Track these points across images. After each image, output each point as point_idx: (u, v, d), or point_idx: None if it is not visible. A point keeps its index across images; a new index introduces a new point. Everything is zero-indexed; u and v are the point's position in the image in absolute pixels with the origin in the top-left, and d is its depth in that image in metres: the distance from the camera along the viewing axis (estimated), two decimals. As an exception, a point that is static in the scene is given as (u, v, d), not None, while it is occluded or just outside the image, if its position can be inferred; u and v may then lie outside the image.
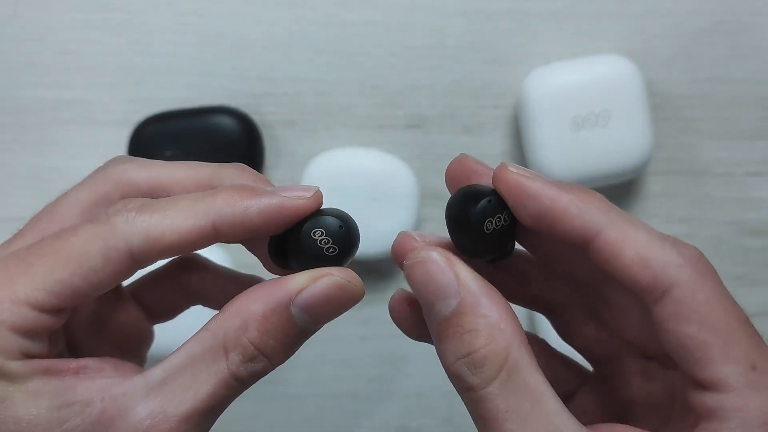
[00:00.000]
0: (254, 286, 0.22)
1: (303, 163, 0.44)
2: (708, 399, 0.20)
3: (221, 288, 0.28)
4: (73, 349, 0.26)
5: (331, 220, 0.23)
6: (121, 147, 0.44)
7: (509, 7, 0.44)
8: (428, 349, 0.43)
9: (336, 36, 0.44)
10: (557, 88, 0.42)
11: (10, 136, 0.45)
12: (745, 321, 0.20)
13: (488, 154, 0.45)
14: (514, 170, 0.22)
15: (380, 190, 0.42)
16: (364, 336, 0.45)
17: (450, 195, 0.23)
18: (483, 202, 0.22)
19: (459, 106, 0.45)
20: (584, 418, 0.23)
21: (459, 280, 0.21)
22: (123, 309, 0.28)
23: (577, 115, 0.42)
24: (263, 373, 0.22)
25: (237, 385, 0.22)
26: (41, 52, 0.44)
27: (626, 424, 0.24)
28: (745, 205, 0.46)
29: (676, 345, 0.20)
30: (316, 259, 0.23)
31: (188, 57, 0.44)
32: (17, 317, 0.21)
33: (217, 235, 0.22)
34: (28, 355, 0.22)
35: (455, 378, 0.21)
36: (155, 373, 0.22)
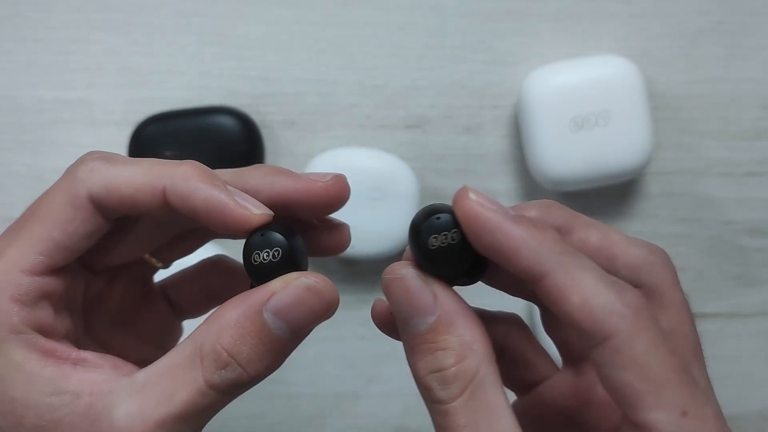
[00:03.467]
0: (237, 295, 0.23)
1: (303, 163, 0.44)
2: None
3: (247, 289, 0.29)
4: (99, 342, 0.27)
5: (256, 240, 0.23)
6: (121, 147, 0.44)
7: (509, 7, 0.44)
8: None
9: (336, 36, 0.44)
10: (557, 88, 0.42)
11: (10, 136, 0.45)
12: (681, 369, 0.21)
13: (488, 155, 0.45)
14: (474, 198, 0.22)
15: (380, 190, 0.42)
16: (364, 336, 0.45)
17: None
18: (432, 218, 0.22)
19: (459, 106, 0.45)
20: (541, 408, 0.26)
21: (436, 298, 0.22)
22: (149, 303, 0.29)
23: (577, 115, 0.42)
24: (239, 383, 0.22)
25: (212, 394, 0.22)
26: (41, 52, 0.44)
27: (579, 421, 0.25)
28: (745, 205, 0.46)
29: (612, 389, 0.21)
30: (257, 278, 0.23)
31: (188, 57, 0.44)
32: (13, 286, 0.22)
33: (167, 202, 0.23)
34: (29, 325, 0.22)
35: (424, 389, 0.22)
36: (139, 376, 0.22)
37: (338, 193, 0.24)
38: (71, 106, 0.45)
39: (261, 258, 0.22)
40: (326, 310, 0.23)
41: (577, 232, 0.24)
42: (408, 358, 0.23)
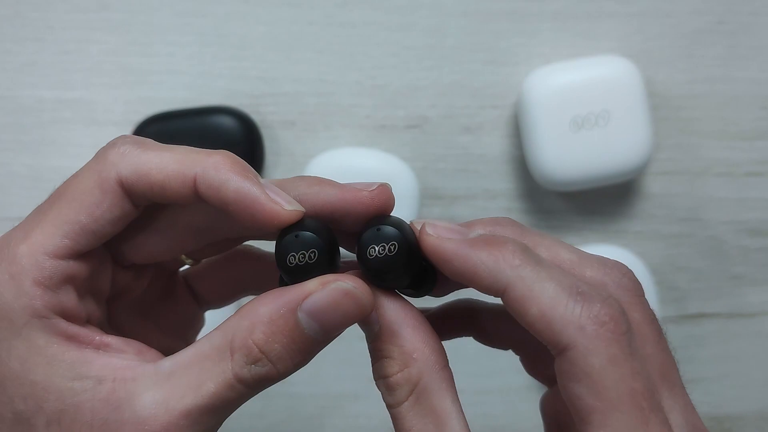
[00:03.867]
0: (271, 290, 0.23)
1: (303, 163, 0.44)
2: None
3: (273, 280, 0.28)
4: (120, 331, 0.26)
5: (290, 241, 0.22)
6: (121, 147, 0.44)
7: (509, 7, 0.44)
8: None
9: (336, 36, 0.44)
10: (557, 88, 0.42)
11: (10, 136, 0.45)
12: (640, 393, 0.20)
13: (488, 155, 0.45)
14: (431, 232, 0.23)
15: (380, 190, 0.42)
16: (364, 336, 0.45)
17: None
18: (372, 229, 0.23)
19: (459, 106, 0.45)
20: (559, 402, 0.25)
21: (379, 310, 0.23)
22: (173, 294, 0.29)
23: (577, 115, 0.42)
24: (268, 378, 0.22)
25: (240, 388, 0.22)
26: (42, 51, 0.44)
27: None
28: (745, 205, 0.46)
29: (567, 399, 0.21)
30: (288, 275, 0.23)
31: (188, 57, 0.44)
32: (36, 269, 0.22)
33: (197, 191, 0.22)
34: (52, 309, 0.22)
35: (380, 392, 0.24)
36: (165, 364, 0.22)
37: (384, 202, 0.24)
38: (71, 106, 0.45)
39: (297, 260, 0.22)
40: (361, 315, 0.22)
41: None
42: None
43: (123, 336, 0.24)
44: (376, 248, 0.23)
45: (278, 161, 0.45)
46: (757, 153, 0.45)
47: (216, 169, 0.22)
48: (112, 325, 0.26)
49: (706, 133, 0.45)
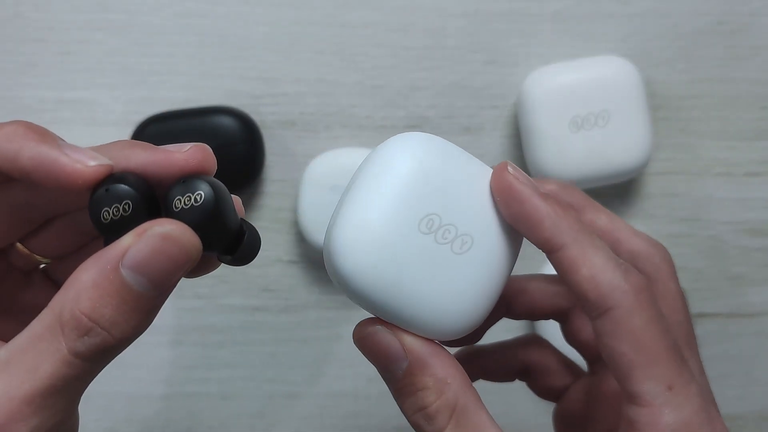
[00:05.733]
0: (93, 255, 0.21)
1: (303, 163, 0.44)
2: (630, 410, 0.23)
3: None
4: None
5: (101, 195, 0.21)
6: (121, 147, 0.44)
7: (509, 7, 0.44)
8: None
9: (336, 37, 0.44)
10: (556, 88, 0.42)
11: (11, 137, 0.45)
12: (672, 348, 0.23)
13: (488, 155, 0.45)
14: (511, 171, 0.24)
15: (380, 190, 0.42)
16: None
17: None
18: (177, 183, 0.22)
19: (459, 107, 0.45)
20: (573, 405, 0.29)
21: (405, 346, 0.24)
22: (32, 288, 0.27)
23: (577, 115, 0.42)
24: (106, 347, 0.21)
25: (79, 363, 0.20)
26: (42, 52, 0.44)
27: (592, 417, 0.28)
28: (744, 205, 0.46)
29: (609, 358, 0.23)
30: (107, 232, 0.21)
31: (189, 57, 0.44)
32: None
33: None
34: None
35: (415, 426, 0.24)
36: (0, 353, 0.21)
37: (199, 162, 0.23)
38: (72, 107, 0.45)
39: (111, 215, 0.21)
40: (187, 257, 0.21)
41: (588, 213, 0.27)
42: (396, 402, 0.24)
43: None
44: (182, 199, 0.21)
45: (278, 161, 0.45)
46: (757, 153, 0.45)
47: (8, 139, 0.21)
48: None
49: (706, 133, 0.45)
